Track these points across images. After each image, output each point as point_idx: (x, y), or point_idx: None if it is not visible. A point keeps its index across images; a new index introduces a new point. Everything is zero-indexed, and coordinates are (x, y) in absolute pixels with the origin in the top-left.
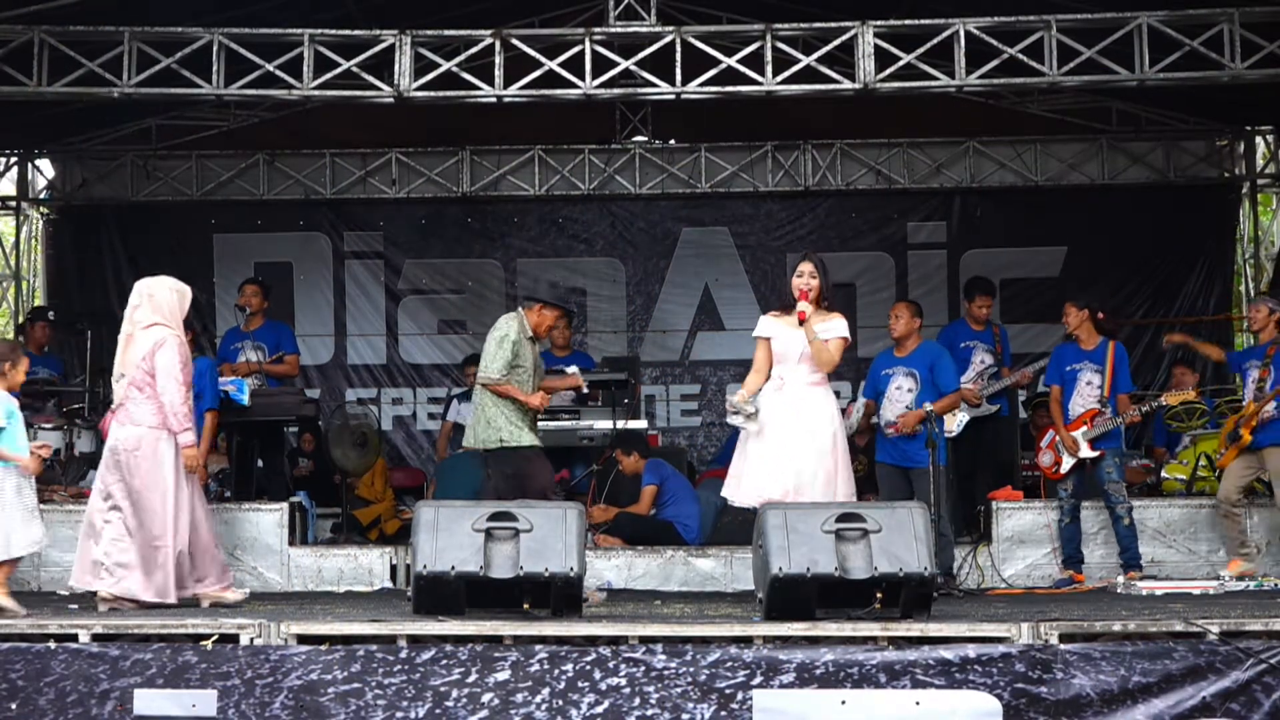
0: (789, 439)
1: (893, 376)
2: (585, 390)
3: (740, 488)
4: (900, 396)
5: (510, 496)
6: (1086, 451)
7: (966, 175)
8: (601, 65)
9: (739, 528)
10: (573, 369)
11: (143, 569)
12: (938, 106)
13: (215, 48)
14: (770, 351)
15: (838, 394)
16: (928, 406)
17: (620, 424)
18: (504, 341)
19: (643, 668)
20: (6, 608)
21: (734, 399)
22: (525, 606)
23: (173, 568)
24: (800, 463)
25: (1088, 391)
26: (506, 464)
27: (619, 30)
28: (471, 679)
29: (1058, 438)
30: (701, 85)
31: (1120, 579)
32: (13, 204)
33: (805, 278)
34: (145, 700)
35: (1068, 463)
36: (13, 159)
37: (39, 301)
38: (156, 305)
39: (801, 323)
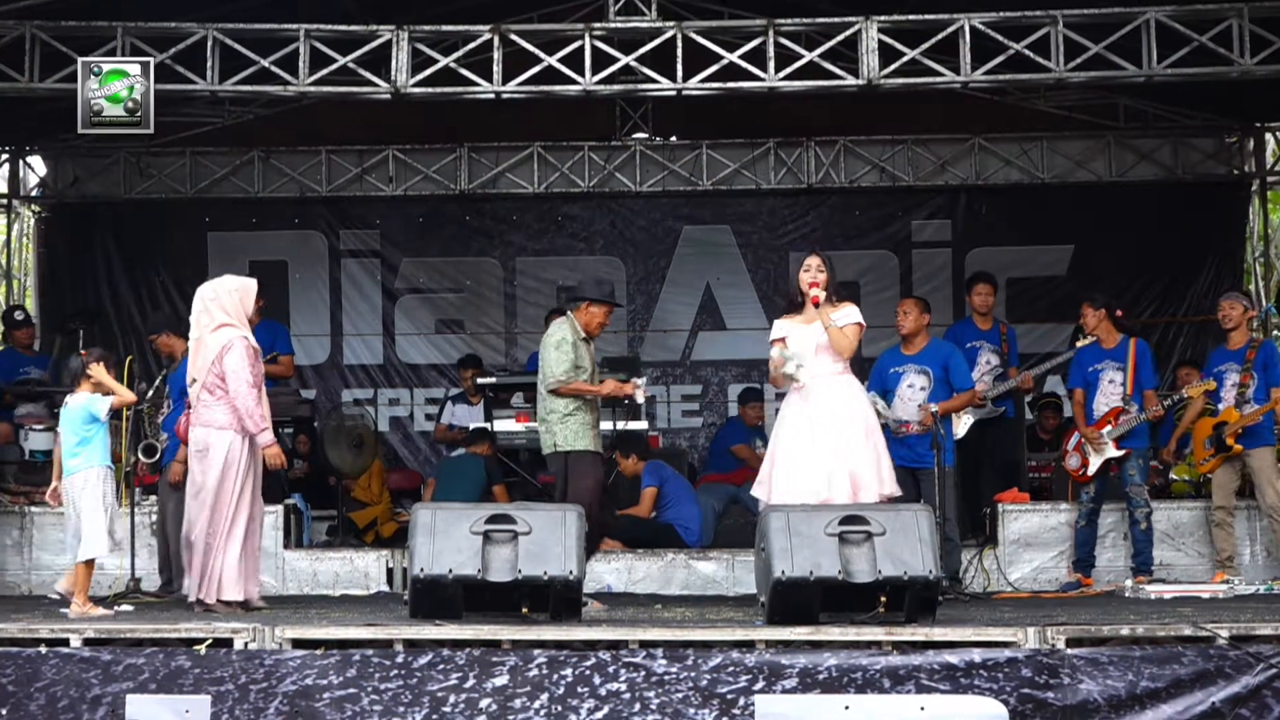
0: (820, 436)
1: (904, 374)
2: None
3: (773, 490)
4: (913, 395)
5: (563, 500)
6: (1112, 451)
7: (971, 172)
8: (601, 61)
9: (741, 530)
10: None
11: (202, 569)
12: (942, 103)
13: (210, 43)
14: None
15: None
16: (932, 407)
17: (620, 425)
18: (563, 344)
19: (643, 673)
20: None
21: (776, 353)
22: (524, 610)
23: (228, 566)
24: (834, 460)
25: (1111, 390)
26: (558, 467)
27: (619, 25)
28: (469, 684)
29: (1083, 439)
30: (703, 81)
31: (1129, 582)
32: (4, 201)
33: (813, 271)
34: (137, 706)
35: (1095, 464)
36: (4, 156)
37: (30, 300)
38: (221, 307)
39: (816, 306)
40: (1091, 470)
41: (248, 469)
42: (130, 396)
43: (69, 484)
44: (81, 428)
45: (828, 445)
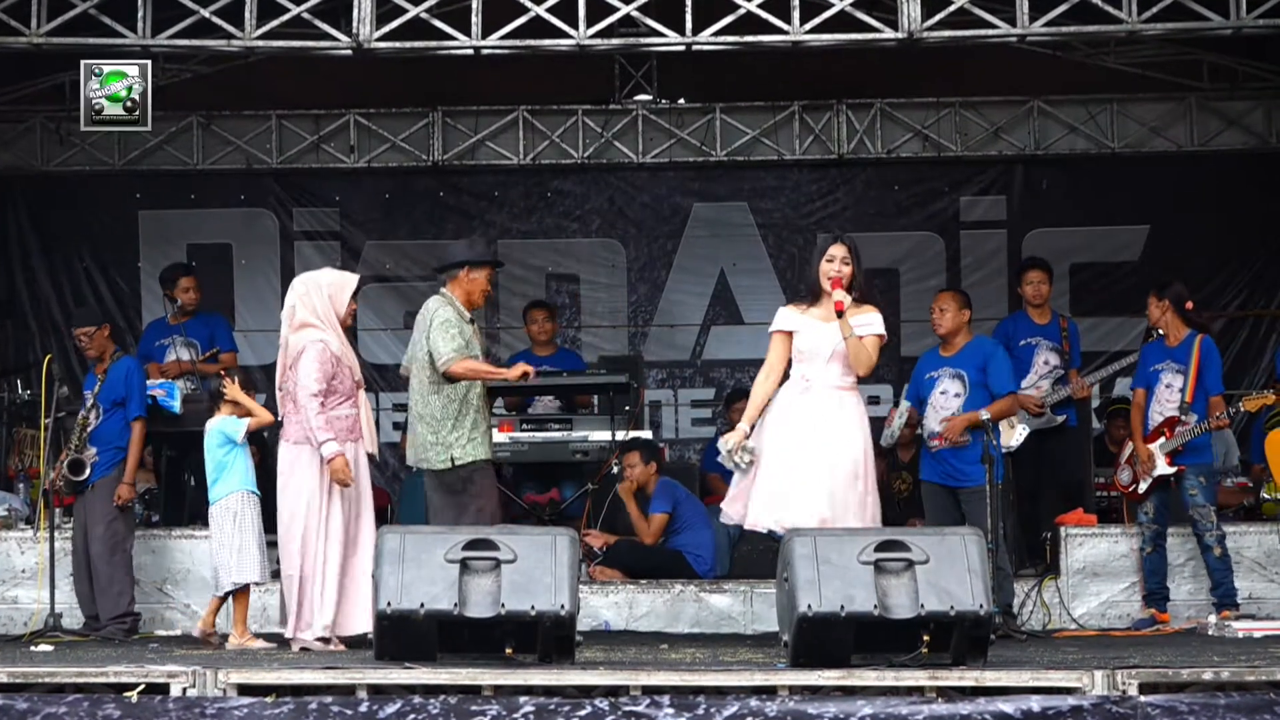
0: (813, 455)
1: (937, 379)
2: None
3: (748, 507)
4: (946, 403)
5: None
6: (1163, 468)
7: (1030, 141)
8: (598, 11)
9: (760, 558)
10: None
11: (295, 604)
12: (996, 59)
13: None
14: (788, 349)
15: (876, 400)
16: (984, 414)
17: (620, 435)
18: (448, 325)
19: None
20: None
21: (725, 446)
22: (508, 651)
23: (321, 601)
24: (830, 483)
25: (1167, 397)
26: (450, 484)
27: None
28: None
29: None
30: (716, 34)
31: (1212, 619)
32: None
33: (837, 263)
34: None
35: (1146, 482)
36: None
37: None
38: (309, 304)
39: (840, 314)
40: (1144, 488)
41: (329, 489)
42: (269, 417)
43: (212, 513)
44: (218, 451)
45: (819, 468)
